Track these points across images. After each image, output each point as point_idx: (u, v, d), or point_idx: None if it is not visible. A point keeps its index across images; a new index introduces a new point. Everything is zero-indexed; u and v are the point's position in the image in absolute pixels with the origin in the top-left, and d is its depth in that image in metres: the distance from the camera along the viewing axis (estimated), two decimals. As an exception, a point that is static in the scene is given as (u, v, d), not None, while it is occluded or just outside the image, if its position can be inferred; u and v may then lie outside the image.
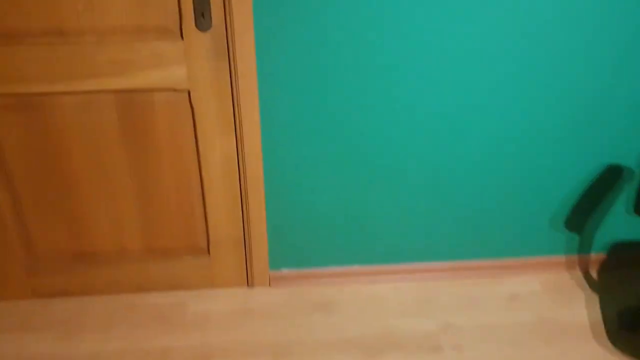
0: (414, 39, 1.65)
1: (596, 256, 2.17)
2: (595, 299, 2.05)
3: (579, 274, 2.15)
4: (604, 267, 2.17)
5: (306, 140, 1.81)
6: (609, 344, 1.88)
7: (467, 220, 2.04)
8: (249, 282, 2.10)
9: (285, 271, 2.09)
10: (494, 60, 1.71)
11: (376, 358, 1.83)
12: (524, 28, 1.66)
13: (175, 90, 1.68)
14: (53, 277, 2.01)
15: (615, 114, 1.84)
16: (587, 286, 2.10)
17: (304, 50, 1.65)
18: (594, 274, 2.16)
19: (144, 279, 2.04)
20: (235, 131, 1.76)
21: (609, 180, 1.98)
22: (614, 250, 2.15)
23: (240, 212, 1.94)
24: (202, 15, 1.56)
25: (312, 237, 2.02)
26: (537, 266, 2.15)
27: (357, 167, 1.88)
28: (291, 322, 1.95)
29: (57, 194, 1.83)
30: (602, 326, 1.94)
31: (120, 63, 1.61)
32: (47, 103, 1.67)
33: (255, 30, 1.61)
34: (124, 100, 1.68)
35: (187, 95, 1.69)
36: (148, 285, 2.06)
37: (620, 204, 2.04)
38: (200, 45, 1.61)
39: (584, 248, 2.15)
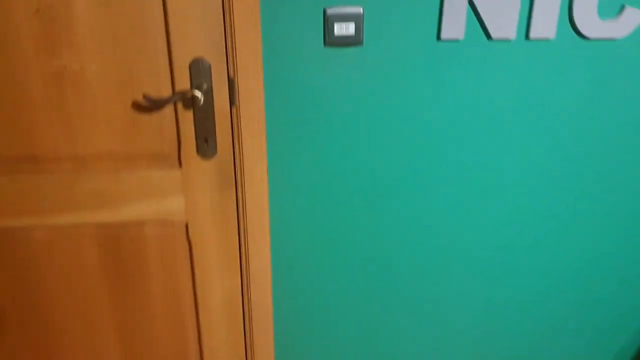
0: (455, 161, 1.39)
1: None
2: None
3: None
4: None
5: (325, 275, 1.51)
6: None
7: (514, 365, 1.71)
8: None
9: None
10: (544, 192, 1.45)
11: None
12: (575, 163, 1.41)
13: (170, 223, 1.39)
14: None
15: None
16: None
17: (321, 176, 1.38)
18: None
19: None
20: (241, 269, 1.47)
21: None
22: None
23: (244, 360, 1.61)
24: (206, 140, 1.30)
25: (329, 386, 1.69)
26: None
27: (384, 301, 1.57)
28: None
29: (29, 339, 1.51)
30: None
31: (103, 194, 1.33)
32: (17, 238, 1.38)
33: (268, 157, 1.35)
34: (107, 235, 1.39)
35: (184, 228, 1.41)
36: None
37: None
38: (202, 173, 1.34)
39: (651, 398, 1.80)
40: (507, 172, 1.43)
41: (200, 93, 1.22)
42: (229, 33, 1.22)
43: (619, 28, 1.29)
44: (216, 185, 1.36)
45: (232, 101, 1.28)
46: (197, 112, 1.27)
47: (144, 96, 1.21)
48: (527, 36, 1.30)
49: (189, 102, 1.26)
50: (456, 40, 1.29)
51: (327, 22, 1.24)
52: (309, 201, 1.41)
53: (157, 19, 1.19)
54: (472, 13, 1.27)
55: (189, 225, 1.40)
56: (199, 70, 1.24)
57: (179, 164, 1.33)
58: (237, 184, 1.36)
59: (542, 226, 1.51)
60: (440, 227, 1.48)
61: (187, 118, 1.28)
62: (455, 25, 1.27)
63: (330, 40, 1.25)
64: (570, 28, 1.31)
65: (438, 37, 1.28)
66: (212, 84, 1.25)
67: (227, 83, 1.26)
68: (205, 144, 1.31)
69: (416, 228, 1.47)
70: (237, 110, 1.28)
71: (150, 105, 1.24)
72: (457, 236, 1.50)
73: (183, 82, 1.25)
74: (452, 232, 1.49)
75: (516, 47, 1.31)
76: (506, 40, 1.31)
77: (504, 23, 1.28)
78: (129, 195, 1.34)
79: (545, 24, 1.29)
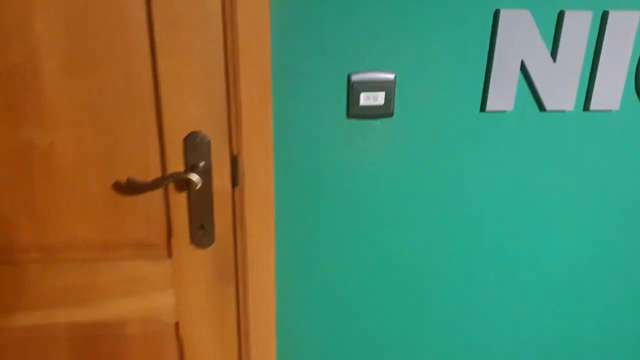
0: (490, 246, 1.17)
1: None
2: None
3: None
4: None
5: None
6: None
7: None
8: None
9: None
10: (604, 286, 1.23)
11: None
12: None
13: (157, 322, 1.16)
14: None
15: None
16: None
17: (341, 269, 1.16)
18: None
19: None
20: (241, 373, 1.23)
21: None
22: None
23: None
24: (202, 227, 1.08)
25: None
26: None
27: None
28: None
29: None
30: None
31: (78, 289, 1.11)
32: (-31, 337, 1.14)
33: (277, 246, 1.13)
34: (82, 335, 1.16)
35: (174, 327, 1.17)
36: None
37: None
38: (196, 265, 1.11)
39: None
40: (563, 262, 1.21)
41: (196, 176, 1.00)
42: (232, 102, 1.01)
43: (698, 101, 1.09)
44: (213, 279, 1.13)
45: (234, 182, 1.06)
46: (192, 195, 1.05)
47: (128, 180, 0.99)
48: (586, 107, 1.10)
49: (183, 183, 1.05)
50: (503, 112, 1.08)
51: (352, 91, 1.03)
52: (324, 299, 1.18)
53: (145, 85, 0.98)
54: (525, 82, 1.06)
55: (179, 325, 1.16)
56: (195, 146, 1.02)
57: (168, 255, 1.11)
58: (238, 278, 1.14)
59: (597, 321, 1.29)
60: (484, 329, 1.25)
61: (180, 201, 1.06)
62: (503, 95, 1.06)
63: (354, 111, 1.04)
64: (637, 98, 1.11)
65: (482, 108, 1.07)
66: (211, 161, 1.04)
67: (229, 161, 1.05)
68: (201, 231, 1.08)
69: (455, 332, 1.25)
70: (240, 192, 1.07)
71: (135, 190, 1.02)
72: (503, 338, 1.27)
73: (176, 160, 1.03)
74: (498, 333, 1.26)
75: (573, 119, 1.11)
76: (562, 112, 1.10)
77: (561, 94, 1.07)
78: (109, 290, 1.11)
79: (609, 94, 1.09)
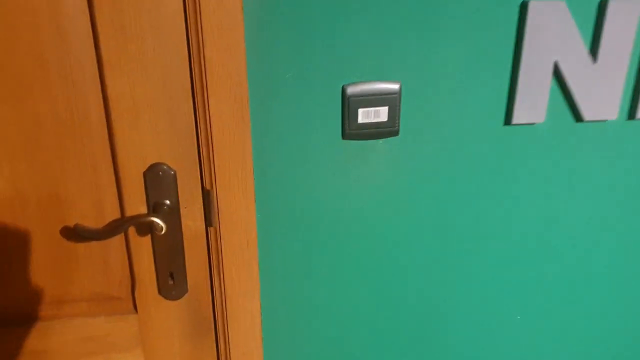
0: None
1: None
2: None
3: None
4: None
5: None
6: None
7: None
8: None
9: None
10: None
11: None
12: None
13: (124, 384, 0.98)
14: None
15: None
16: None
17: (336, 318, 0.98)
18: None
19: None
20: None
21: None
22: None
23: None
24: (171, 276, 0.89)
25: None
26: None
27: None
28: None
29: None
30: None
31: (25, 356, 0.92)
32: None
33: (262, 292, 0.95)
34: (36, 403, 0.97)
35: (145, 389, 0.99)
36: None
37: None
38: (167, 319, 0.93)
39: None
40: (609, 295, 1.03)
41: (159, 220, 0.81)
42: (202, 126, 0.82)
43: None
44: (188, 334, 0.95)
45: (208, 221, 0.87)
46: (158, 239, 0.87)
47: (75, 228, 0.80)
48: (631, 116, 0.91)
49: (146, 227, 0.86)
50: (533, 125, 0.89)
51: (348, 106, 0.84)
52: (317, 352, 1.00)
53: (93, 110, 0.79)
54: (559, 88, 0.87)
55: (152, 387, 0.98)
56: (157, 181, 0.84)
57: (134, 309, 0.92)
58: (218, 331, 0.96)
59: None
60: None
61: (143, 246, 0.88)
62: (533, 104, 0.87)
63: (351, 130, 0.85)
64: (693, 102, 0.91)
65: (507, 121, 0.89)
66: (178, 199, 0.85)
67: (200, 196, 0.86)
68: (171, 280, 0.90)
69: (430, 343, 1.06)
70: (216, 233, 0.88)
71: (85, 238, 0.83)
72: (527, 382, 1.09)
73: (135, 198, 0.84)
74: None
75: (615, 129, 0.92)
76: (603, 122, 0.91)
77: (602, 100, 0.88)
78: (64, 353, 0.93)
79: (660, 99, 0.90)
